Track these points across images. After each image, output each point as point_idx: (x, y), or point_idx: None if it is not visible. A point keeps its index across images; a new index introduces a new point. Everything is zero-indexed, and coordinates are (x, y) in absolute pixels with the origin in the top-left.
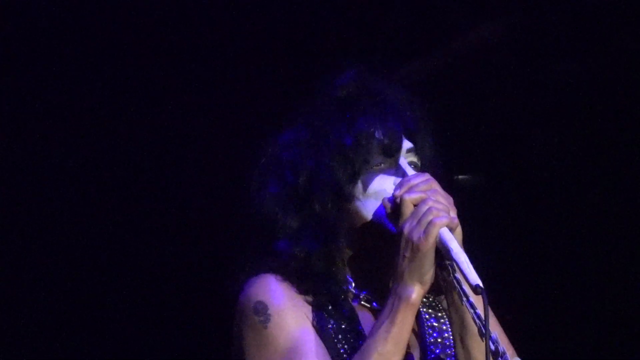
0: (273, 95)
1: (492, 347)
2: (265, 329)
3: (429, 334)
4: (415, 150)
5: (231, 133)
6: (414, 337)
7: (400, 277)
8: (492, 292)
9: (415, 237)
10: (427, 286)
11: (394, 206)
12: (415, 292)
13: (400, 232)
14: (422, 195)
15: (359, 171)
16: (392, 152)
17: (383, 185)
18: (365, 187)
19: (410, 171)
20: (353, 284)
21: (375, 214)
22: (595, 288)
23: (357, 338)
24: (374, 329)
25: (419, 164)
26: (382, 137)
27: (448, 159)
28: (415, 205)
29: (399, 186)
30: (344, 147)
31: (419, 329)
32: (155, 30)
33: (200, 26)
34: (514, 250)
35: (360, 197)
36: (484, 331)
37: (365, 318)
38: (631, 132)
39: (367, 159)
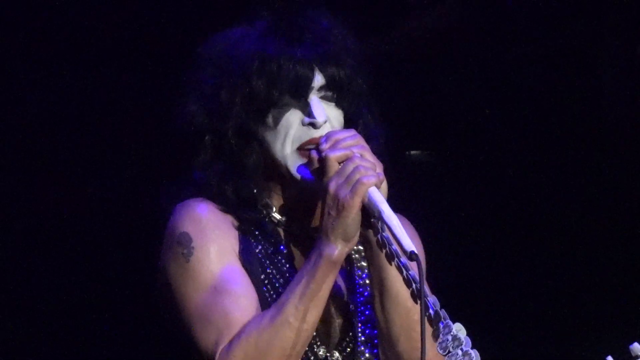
0: None
1: (432, 310)
2: (187, 263)
3: (358, 275)
4: (329, 86)
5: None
6: (342, 282)
7: (325, 234)
8: (435, 267)
9: (342, 195)
10: (352, 245)
11: (320, 160)
12: (338, 251)
13: (326, 189)
14: (347, 152)
15: (267, 109)
16: (300, 94)
17: (291, 122)
18: (275, 123)
19: (318, 110)
20: (274, 209)
21: (300, 171)
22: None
23: (284, 261)
24: (293, 283)
25: (334, 96)
26: (290, 78)
27: (401, 134)
28: (340, 163)
29: (325, 139)
30: (249, 85)
31: (349, 273)
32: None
33: None
34: (464, 230)
35: (269, 134)
36: (417, 293)
37: (289, 241)
38: (584, 119)
39: (274, 100)
